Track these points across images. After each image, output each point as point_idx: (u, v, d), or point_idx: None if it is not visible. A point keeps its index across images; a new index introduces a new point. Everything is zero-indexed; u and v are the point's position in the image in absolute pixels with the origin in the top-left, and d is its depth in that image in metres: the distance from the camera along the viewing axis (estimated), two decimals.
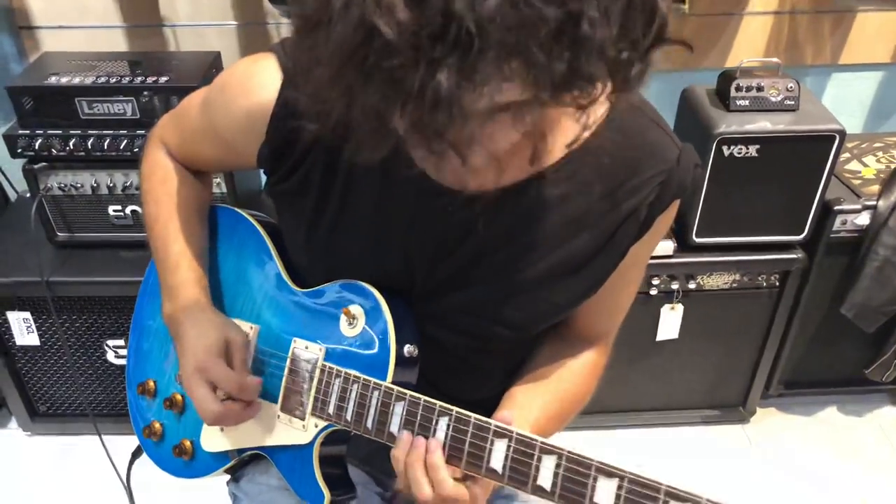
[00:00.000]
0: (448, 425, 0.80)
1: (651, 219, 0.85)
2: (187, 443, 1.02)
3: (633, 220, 0.84)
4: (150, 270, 1.12)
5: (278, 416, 0.93)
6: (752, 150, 1.64)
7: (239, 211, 1.05)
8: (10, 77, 2.04)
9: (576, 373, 0.97)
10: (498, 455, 0.77)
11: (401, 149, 0.79)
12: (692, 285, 1.80)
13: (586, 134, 0.78)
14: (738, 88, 1.65)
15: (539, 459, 0.75)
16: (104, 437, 1.81)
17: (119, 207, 1.75)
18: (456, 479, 0.80)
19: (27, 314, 1.80)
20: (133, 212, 1.76)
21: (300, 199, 0.88)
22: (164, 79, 1.65)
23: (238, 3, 1.98)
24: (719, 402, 2.06)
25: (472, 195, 0.81)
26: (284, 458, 0.94)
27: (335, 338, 0.90)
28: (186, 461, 1.03)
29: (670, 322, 1.87)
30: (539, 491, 0.75)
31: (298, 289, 0.95)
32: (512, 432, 0.76)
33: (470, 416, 0.79)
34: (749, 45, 2.08)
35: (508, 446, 0.76)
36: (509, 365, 1.00)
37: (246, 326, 0.98)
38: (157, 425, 1.06)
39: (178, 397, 1.03)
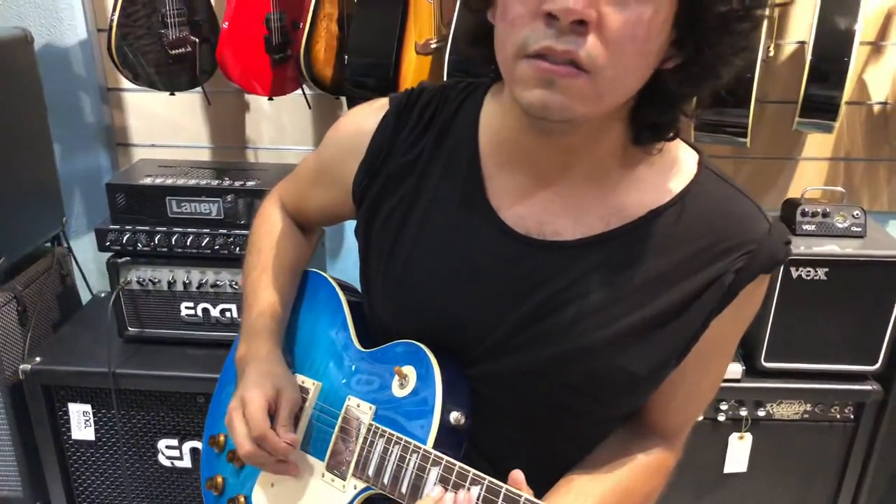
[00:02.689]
0: (479, 494, 0.77)
1: (737, 288, 0.83)
2: (241, 499, 1.02)
3: (718, 287, 0.83)
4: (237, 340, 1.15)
5: (322, 475, 0.93)
6: (821, 273, 1.65)
7: (324, 275, 1.10)
8: (103, 191, 2.19)
9: (642, 469, 0.92)
10: None
11: (484, 193, 0.83)
12: (761, 412, 1.75)
13: (671, 195, 0.82)
14: (804, 214, 1.69)
15: None
16: None
17: (191, 305, 1.80)
18: None
19: (87, 406, 1.81)
20: (204, 310, 1.81)
21: (383, 235, 0.91)
22: (250, 183, 1.75)
23: (317, 130, 2.14)
24: None
25: (548, 243, 0.84)
26: None
27: (386, 398, 0.90)
28: None
29: (739, 453, 1.79)
30: None
31: (363, 349, 0.97)
32: None
33: (501, 486, 0.77)
34: (808, 186, 2.15)
35: None
36: (573, 449, 0.94)
37: (309, 383, 1.00)
38: (220, 479, 1.07)
39: None
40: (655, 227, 0.83)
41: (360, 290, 1.04)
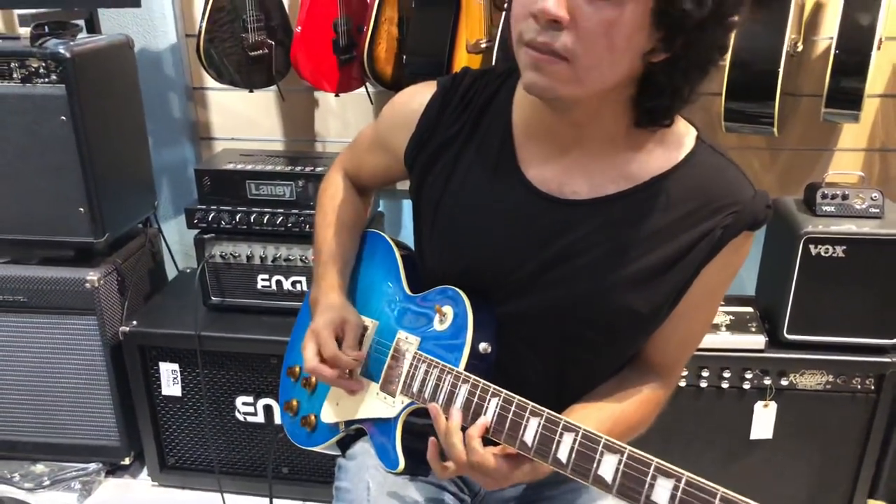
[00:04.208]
0: (497, 404, 0.95)
1: (724, 241, 0.98)
2: (312, 417, 1.23)
3: (708, 240, 0.98)
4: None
5: (377, 394, 1.12)
6: (839, 251, 1.77)
7: (382, 234, 1.30)
8: (187, 179, 2.46)
9: (635, 400, 1.07)
10: (531, 430, 0.92)
11: (515, 159, 1.02)
12: (784, 382, 1.87)
13: (672, 163, 0.99)
14: (824, 196, 1.81)
15: (561, 436, 0.89)
16: (226, 495, 1.98)
17: (267, 277, 2.04)
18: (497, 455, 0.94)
19: (175, 366, 2.05)
20: (277, 282, 2.04)
21: (431, 193, 1.10)
22: (319, 169, 1.97)
23: None
24: None
25: (567, 201, 1.02)
26: (376, 429, 1.12)
27: (429, 332, 1.09)
28: (309, 432, 1.24)
29: (764, 420, 1.92)
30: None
31: (412, 293, 1.16)
32: (543, 412, 0.92)
33: (514, 398, 0.94)
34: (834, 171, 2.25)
35: (540, 422, 0.91)
36: (584, 379, 1.09)
37: (368, 321, 1.19)
38: (295, 402, 1.28)
39: (313, 379, 1.25)
40: (658, 190, 0.99)
41: (412, 247, 1.24)
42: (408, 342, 1.10)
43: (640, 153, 1.00)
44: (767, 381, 1.88)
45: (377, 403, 1.12)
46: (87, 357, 2.09)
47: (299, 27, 1.99)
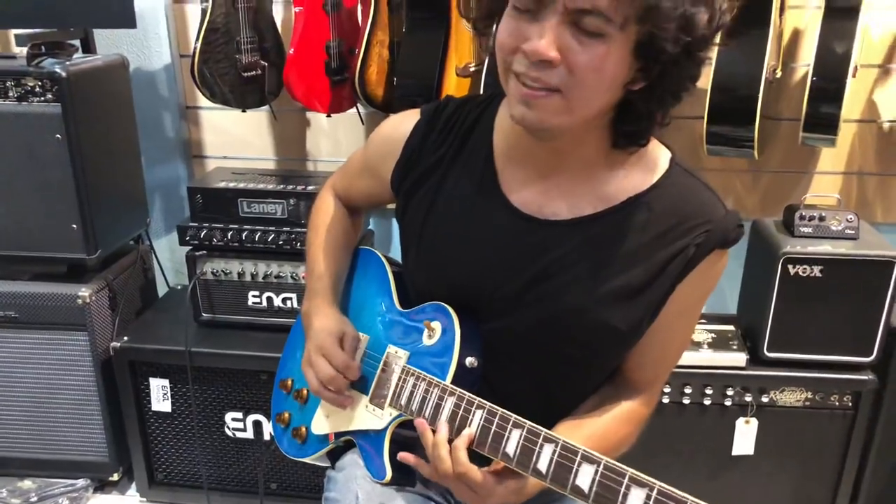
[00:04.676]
0: (481, 416, 0.99)
1: (697, 259, 1.02)
2: (303, 429, 1.26)
3: (682, 258, 1.02)
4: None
5: (366, 406, 1.15)
6: (817, 271, 1.82)
7: (374, 251, 1.34)
8: (179, 197, 2.49)
9: (618, 418, 1.11)
10: (513, 441, 0.96)
11: (497, 182, 1.06)
12: (765, 399, 1.91)
13: (647, 184, 1.04)
14: (802, 217, 1.87)
15: (542, 447, 0.93)
16: None
17: (257, 294, 2.06)
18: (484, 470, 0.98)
19: (166, 381, 2.07)
20: (268, 299, 2.06)
21: (416, 216, 1.14)
22: (310, 188, 2.01)
23: None
24: None
25: (547, 221, 1.06)
26: (365, 441, 1.16)
27: (417, 346, 1.12)
28: (300, 443, 1.27)
29: (745, 436, 1.95)
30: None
31: (402, 309, 1.20)
32: (524, 424, 0.96)
33: (497, 409, 0.98)
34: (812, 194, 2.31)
35: (521, 434, 0.96)
36: (567, 394, 1.13)
37: (361, 335, 1.23)
38: (287, 414, 1.31)
39: (304, 392, 1.28)
40: (633, 210, 1.04)
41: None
42: (397, 356, 1.14)
43: (617, 175, 1.05)
44: (748, 398, 1.92)
45: (366, 415, 1.15)
46: (77, 372, 2.10)
47: (292, 49, 2.04)
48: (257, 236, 1.99)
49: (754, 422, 1.94)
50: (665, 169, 1.06)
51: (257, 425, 2.08)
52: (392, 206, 1.22)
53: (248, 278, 2.05)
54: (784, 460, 1.98)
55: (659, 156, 1.07)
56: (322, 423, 1.23)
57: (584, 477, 0.89)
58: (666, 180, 1.05)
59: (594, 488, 0.88)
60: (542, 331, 1.07)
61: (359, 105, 2.22)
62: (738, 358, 1.90)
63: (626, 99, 0.96)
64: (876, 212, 2.32)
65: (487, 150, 1.10)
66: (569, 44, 0.88)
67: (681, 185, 1.05)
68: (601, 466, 0.88)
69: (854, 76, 1.89)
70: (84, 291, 2.04)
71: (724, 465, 1.99)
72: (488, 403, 1.00)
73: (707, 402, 1.93)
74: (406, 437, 1.11)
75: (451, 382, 1.05)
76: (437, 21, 1.96)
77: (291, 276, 2.03)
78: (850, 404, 1.92)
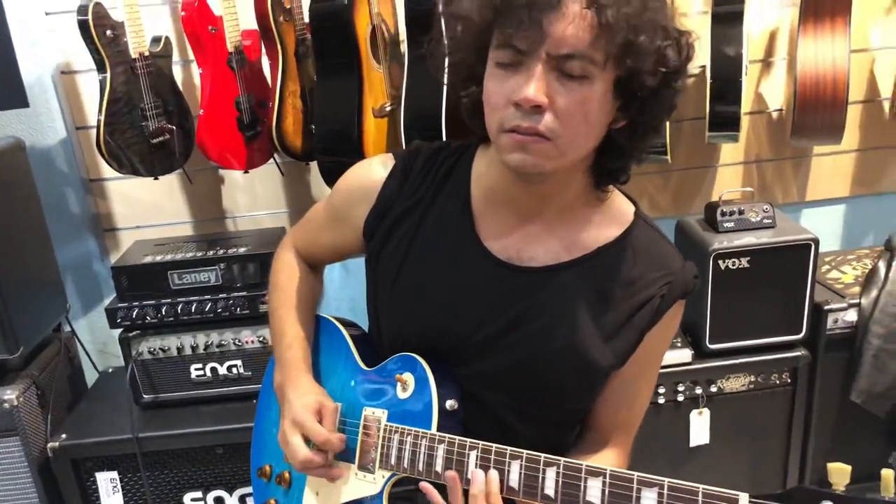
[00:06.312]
0: (476, 457, 1.00)
1: (663, 309, 1.08)
2: None
3: (649, 307, 1.08)
4: (266, 375, 1.35)
5: (356, 474, 1.13)
6: (744, 262, 1.93)
7: (327, 317, 1.31)
8: (94, 274, 2.36)
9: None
10: (514, 474, 0.97)
11: (474, 228, 1.07)
12: (714, 388, 2.01)
13: (615, 235, 1.07)
14: (723, 213, 1.98)
15: (544, 472, 0.94)
16: None
17: (200, 366, 1.98)
18: None
19: (114, 473, 1.96)
20: (212, 369, 1.99)
21: (390, 263, 1.13)
22: (242, 249, 1.95)
23: (288, 194, 2.35)
24: None
25: (524, 268, 1.08)
26: None
27: (394, 402, 1.11)
28: None
29: (700, 427, 2.04)
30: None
31: (367, 368, 1.18)
32: (522, 454, 0.97)
33: (492, 446, 0.99)
34: (727, 189, 2.44)
35: (521, 464, 0.97)
36: (543, 438, 1.11)
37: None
38: (272, 502, 1.26)
39: (287, 475, 1.24)
40: (604, 259, 1.08)
41: (355, 322, 1.27)
42: (376, 417, 1.12)
43: (590, 225, 1.09)
44: (699, 391, 2.01)
45: (358, 483, 1.12)
46: (13, 481, 1.95)
47: (202, 110, 1.97)
48: (193, 307, 1.92)
49: (706, 412, 2.04)
50: (630, 221, 1.11)
51: (219, 501, 2.00)
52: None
53: (188, 352, 1.97)
54: (737, 444, 2.08)
55: (625, 209, 1.12)
56: (313, 502, 1.19)
57: (594, 490, 0.91)
58: (632, 232, 1.10)
59: (606, 499, 0.90)
60: (513, 375, 1.09)
61: (276, 156, 2.17)
62: (684, 354, 1.99)
63: (607, 138, 1.00)
64: (776, 195, 2.48)
65: (465, 197, 1.11)
66: (555, 89, 0.91)
67: (644, 238, 1.10)
68: (607, 477, 0.90)
69: (746, 74, 2.02)
70: (10, 394, 1.89)
71: (684, 457, 2.07)
72: (480, 442, 1.00)
73: (661, 400, 2.01)
74: (402, 492, 1.10)
75: (437, 430, 1.05)
76: (347, 66, 1.95)
77: (234, 343, 1.96)
78: (789, 381, 2.04)
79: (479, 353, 1.10)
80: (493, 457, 0.99)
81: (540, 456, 0.95)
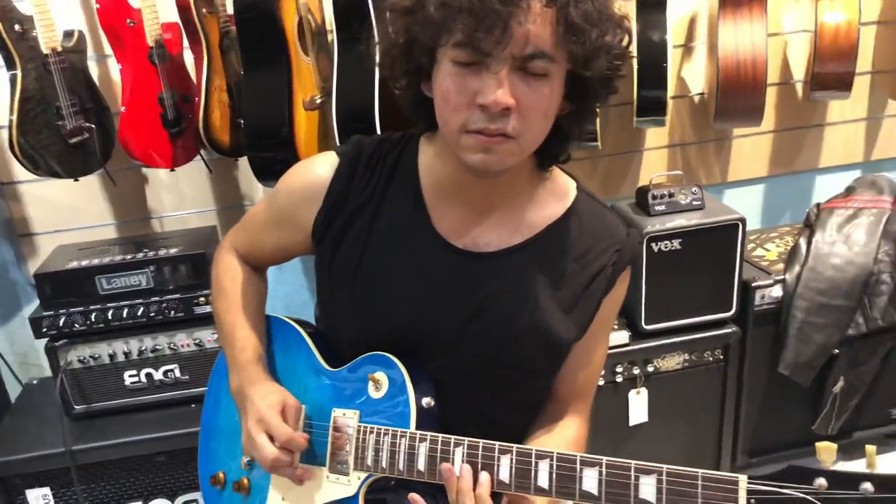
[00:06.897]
0: (462, 453, 0.99)
1: (615, 276, 1.12)
2: None
3: (602, 277, 1.11)
4: (212, 381, 1.31)
5: (327, 477, 1.10)
6: (676, 244, 1.99)
7: (281, 317, 1.28)
8: (10, 282, 2.24)
9: (567, 444, 1.13)
10: (504, 468, 0.97)
11: (429, 220, 1.06)
12: (650, 368, 2.06)
13: (561, 211, 1.09)
14: (654, 197, 2.02)
15: (537, 465, 0.95)
16: None
17: (134, 373, 1.91)
18: None
19: (46, 490, 1.87)
20: (147, 375, 1.92)
21: (347, 260, 1.11)
22: (173, 250, 1.89)
23: (216, 191, 2.28)
24: None
25: (481, 254, 1.08)
26: None
27: (366, 402, 1.10)
28: None
29: (639, 406, 2.10)
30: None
31: (332, 369, 1.16)
32: (512, 447, 0.97)
33: (478, 442, 0.99)
34: (654, 173, 2.51)
35: (511, 458, 0.97)
36: (516, 421, 1.17)
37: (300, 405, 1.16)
38: None
39: (245, 481, 1.19)
40: (553, 236, 1.10)
41: (308, 322, 1.24)
42: (346, 417, 1.10)
43: (537, 204, 1.10)
44: (636, 371, 2.06)
45: (332, 486, 1.10)
46: None
47: (124, 108, 1.89)
48: (124, 312, 1.85)
49: (644, 391, 2.09)
50: (574, 196, 1.12)
51: None
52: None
53: (121, 359, 1.89)
54: (674, 421, 2.15)
55: (568, 185, 1.14)
56: None
57: (590, 481, 0.90)
58: (577, 206, 1.11)
59: (604, 489, 0.90)
60: (483, 361, 1.10)
61: (203, 153, 2.11)
62: (622, 336, 2.03)
63: (554, 124, 1.00)
64: (700, 177, 2.56)
65: (415, 188, 1.10)
66: (520, 90, 0.91)
67: (589, 210, 1.12)
68: (603, 466, 0.90)
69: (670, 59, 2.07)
70: None
71: (625, 435, 2.12)
72: (466, 439, 1.00)
73: (601, 382, 2.05)
74: (378, 495, 1.09)
75: (416, 428, 1.04)
76: (276, 58, 1.90)
77: (169, 347, 1.90)
78: (722, 357, 2.12)
79: (448, 345, 1.09)
80: (480, 452, 0.98)
81: (531, 449, 0.95)
